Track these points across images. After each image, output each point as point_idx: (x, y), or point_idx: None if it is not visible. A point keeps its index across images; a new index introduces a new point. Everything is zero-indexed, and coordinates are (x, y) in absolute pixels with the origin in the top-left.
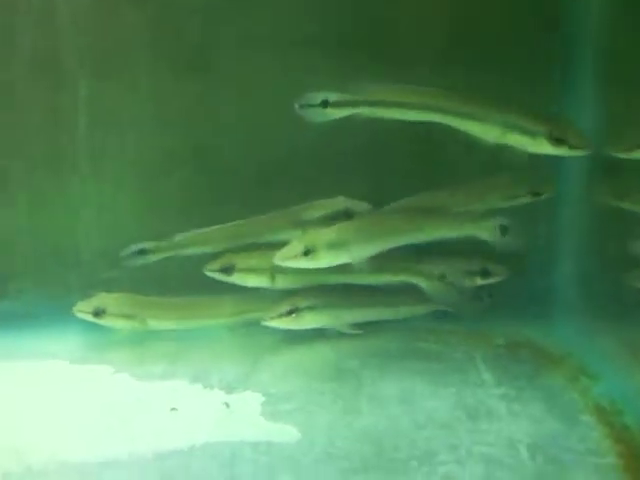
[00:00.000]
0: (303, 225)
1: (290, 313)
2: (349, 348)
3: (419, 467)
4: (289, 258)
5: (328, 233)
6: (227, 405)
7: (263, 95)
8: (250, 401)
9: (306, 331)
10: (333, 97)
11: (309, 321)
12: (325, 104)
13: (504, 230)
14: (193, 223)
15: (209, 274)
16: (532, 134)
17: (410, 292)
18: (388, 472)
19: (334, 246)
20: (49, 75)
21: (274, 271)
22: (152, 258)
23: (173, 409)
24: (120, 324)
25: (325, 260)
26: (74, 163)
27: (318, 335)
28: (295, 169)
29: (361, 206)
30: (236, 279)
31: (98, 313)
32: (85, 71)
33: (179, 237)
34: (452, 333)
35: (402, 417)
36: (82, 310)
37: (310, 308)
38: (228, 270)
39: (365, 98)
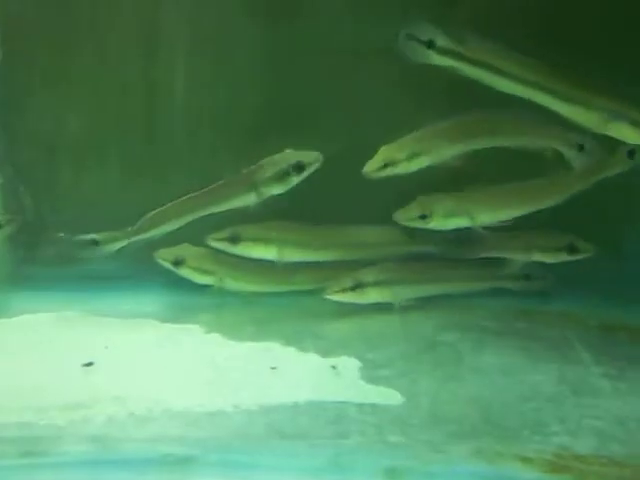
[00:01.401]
0: (257, 186)
1: (354, 288)
2: (442, 322)
3: (531, 436)
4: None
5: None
6: (334, 367)
7: None
8: (348, 365)
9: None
10: (441, 41)
11: (373, 297)
12: (430, 44)
13: (581, 147)
14: None
15: (213, 244)
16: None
17: (470, 267)
18: (500, 439)
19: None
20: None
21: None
22: (106, 249)
23: (273, 368)
24: (197, 277)
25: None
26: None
27: (409, 306)
28: None
29: (311, 156)
30: (242, 250)
31: (178, 262)
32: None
33: (137, 224)
34: (543, 314)
35: (506, 388)
36: (163, 257)
37: (375, 284)
38: (234, 240)
39: (470, 55)
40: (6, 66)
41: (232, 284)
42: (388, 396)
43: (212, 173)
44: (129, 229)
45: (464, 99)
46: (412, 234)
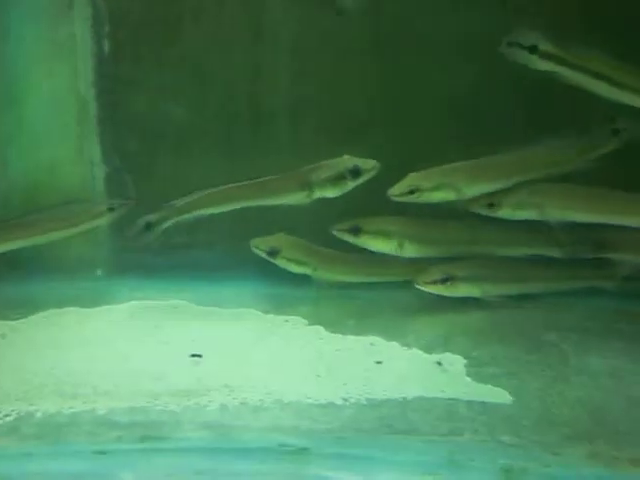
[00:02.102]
0: (311, 186)
1: (445, 281)
2: (543, 321)
3: None
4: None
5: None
6: (439, 363)
7: None
8: (453, 362)
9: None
10: (544, 45)
11: (462, 291)
12: (533, 49)
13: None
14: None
15: (336, 234)
16: None
17: (564, 266)
18: (616, 443)
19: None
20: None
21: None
22: (161, 228)
23: (378, 362)
24: (291, 267)
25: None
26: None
27: (508, 303)
28: None
29: (369, 164)
30: (362, 242)
31: (273, 252)
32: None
33: (181, 201)
34: None
35: (616, 392)
36: (258, 246)
37: (465, 279)
38: (355, 231)
39: (572, 59)
40: (113, 58)
41: (325, 274)
42: (497, 395)
43: (315, 159)
44: (175, 207)
45: None
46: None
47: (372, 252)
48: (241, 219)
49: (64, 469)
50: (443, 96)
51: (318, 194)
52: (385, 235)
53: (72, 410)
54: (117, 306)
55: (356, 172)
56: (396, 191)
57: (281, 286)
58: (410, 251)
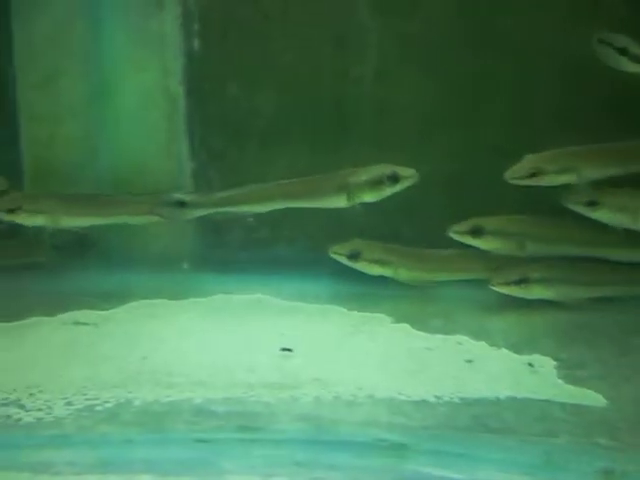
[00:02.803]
0: (349, 189)
1: (519, 282)
2: (628, 325)
3: None
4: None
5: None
6: (531, 365)
7: None
8: (544, 363)
9: None
10: (634, 48)
11: (537, 293)
12: (624, 51)
13: None
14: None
15: (455, 236)
16: None
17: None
18: None
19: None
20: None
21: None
22: (191, 213)
23: (468, 361)
24: (372, 269)
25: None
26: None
27: (588, 305)
28: None
29: (407, 171)
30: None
31: (353, 256)
32: None
33: (221, 193)
34: None
35: None
36: (338, 252)
37: (541, 280)
38: (476, 232)
39: None
40: (202, 56)
41: (406, 274)
42: (590, 398)
43: (400, 157)
44: (214, 197)
45: None
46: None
47: (452, 248)
48: (324, 216)
49: (166, 456)
50: (527, 98)
51: (356, 198)
52: (506, 235)
53: (169, 399)
54: (204, 299)
55: (394, 178)
56: (515, 174)
57: (362, 283)
58: (531, 250)
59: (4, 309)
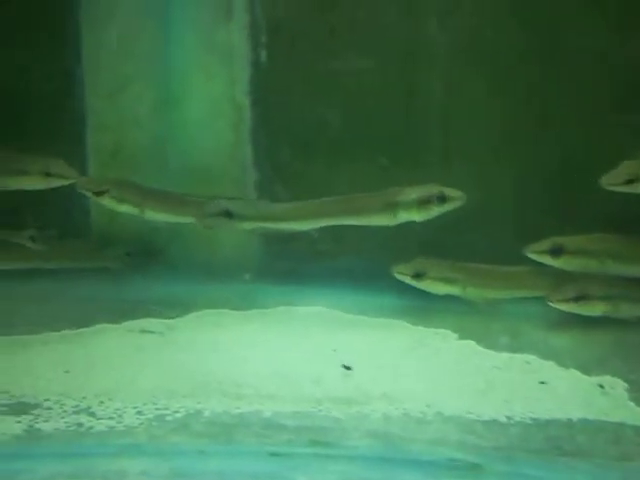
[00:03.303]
0: (396, 207)
1: (578, 299)
2: None
3: None
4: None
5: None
6: (601, 386)
7: None
8: (614, 385)
9: None
10: None
11: (596, 310)
12: None
13: None
14: None
15: (533, 256)
16: None
17: None
18: None
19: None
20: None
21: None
22: (237, 225)
23: (542, 382)
24: (439, 288)
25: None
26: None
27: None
28: None
29: (456, 193)
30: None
31: (418, 275)
32: None
33: (268, 208)
34: None
35: None
36: (402, 272)
37: (600, 297)
38: (556, 252)
39: None
40: (269, 67)
41: (474, 292)
42: None
43: (467, 173)
44: (260, 212)
45: None
46: None
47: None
48: (388, 228)
49: (240, 469)
50: (597, 112)
51: (403, 216)
52: (586, 254)
53: (239, 411)
54: (266, 310)
55: (442, 199)
56: (611, 180)
57: (425, 297)
58: (614, 269)
59: (70, 315)
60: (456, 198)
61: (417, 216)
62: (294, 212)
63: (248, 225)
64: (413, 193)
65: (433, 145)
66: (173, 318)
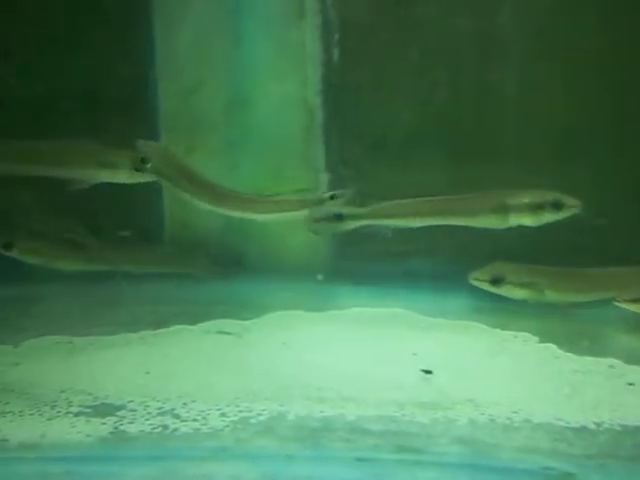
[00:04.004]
0: (508, 210)
1: None
2: None
3: None
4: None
5: None
6: None
7: None
8: None
9: None
10: None
11: None
12: None
13: None
14: None
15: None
16: None
17: None
18: None
19: None
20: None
21: None
22: (349, 225)
23: (630, 384)
24: (518, 293)
25: None
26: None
27: None
28: None
29: (572, 201)
30: None
31: (496, 281)
32: None
33: (377, 206)
34: None
35: None
36: (479, 278)
37: None
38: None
39: None
40: (341, 66)
41: (554, 296)
42: None
43: (540, 172)
44: (370, 209)
45: None
46: None
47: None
48: (461, 228)
49: (328, 474)
50: None
51: (513, 220)
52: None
53: (323, 414)
54: (340, 312)
55: (557, 206)
56: None
57: (502, 299)
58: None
59: (147, 317)
60: (572, 206)
61: (529, 221)
62: (402, 210)
63: (356, 225)
64: (526, 197)
65: (506, 142)
66: (249, 319)
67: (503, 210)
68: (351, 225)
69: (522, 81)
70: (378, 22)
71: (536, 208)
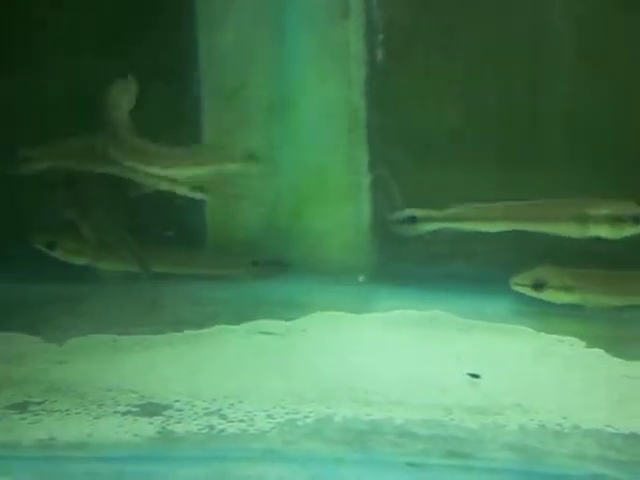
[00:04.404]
0: (586, 220)
1: None
2: None
3: None
4: None
5: None
6: None
7: None
8: None
9: None
10: None
11: None
12: None
13: None
14: None
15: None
16: None
17: None
18: None
19: None
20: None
21: None
22: (423, 228)
23: None
24: (560, 297)
25: None
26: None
27: None
28: None
29: None
30: None
31: (538, 286)
32: None
33: (453, 209)
34: None
35: None
36: (520, 283)
37: None
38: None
39: None
40: (385, 67)
41: (595, 299)
42: None
43: (591, 177)
44: (445, 212)
45: None
46: None
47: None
48: (504, 231)
49: (379, 478)
50: None
51: (592, 230)
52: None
53: (370, 417)
54: (383, 314)
55: (638, 219)
56: None
57: (545, 303)
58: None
59: (189, 316)
60: None
61: (608, 233)
62: (479, 214)
63: (430, 228)
64: (606, 208)
65: (556, 146)
66: (291, 320)
67: (582, 220)
68: (425, 228)
69: (572, 83)
70: (423, 22)
71: (616, 220)
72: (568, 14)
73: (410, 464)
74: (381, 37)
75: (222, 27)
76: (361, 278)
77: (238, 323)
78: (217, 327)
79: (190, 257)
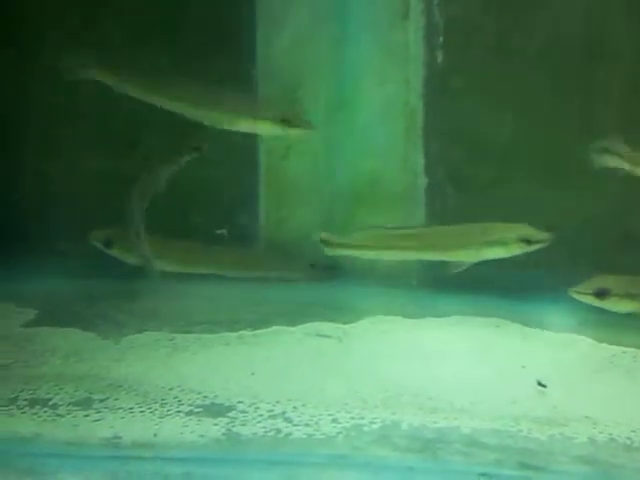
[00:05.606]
0: (482, 246)
1: None
2: None
3: None
4: None
5: None
6: None
7: None
8: None
9: None
10: None
11: None
12: None
13: None
14: None
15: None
16: None
17: None
18: None
19: None
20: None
21: None
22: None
23: None
24: (623, 306)
25: None
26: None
27: None
28: None
29: (541, 236)
30: None
31: (601, 294)
32: None
33: (357, 235)
34: None
35: None
36: (581, 292)
37: None
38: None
39: None
40: (444, 69)
41: None
42: None
43: None
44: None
45: None
46: None
47: None
48: (564, 237)
49: None
50: None
51: (484, 255)
52: None
53: (436, 425)
54: (440, 319)
55: (526, 241)
56: None
57: (604, 312)
58: None
59: (244, 317)
60: (541, 241)
61: (500, 253)
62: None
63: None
64: (496, 232)
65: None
66: (347, 323)
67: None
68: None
69: (631, 86)
70: (483, 25)
71: (506, 241)
72: (628, 16)
73: (483, 474)
74: (441, 39)
75: (281, 27)
76: (414, 282)
77: (294, 325)
78: (273, 328)
79: (244, 259)
